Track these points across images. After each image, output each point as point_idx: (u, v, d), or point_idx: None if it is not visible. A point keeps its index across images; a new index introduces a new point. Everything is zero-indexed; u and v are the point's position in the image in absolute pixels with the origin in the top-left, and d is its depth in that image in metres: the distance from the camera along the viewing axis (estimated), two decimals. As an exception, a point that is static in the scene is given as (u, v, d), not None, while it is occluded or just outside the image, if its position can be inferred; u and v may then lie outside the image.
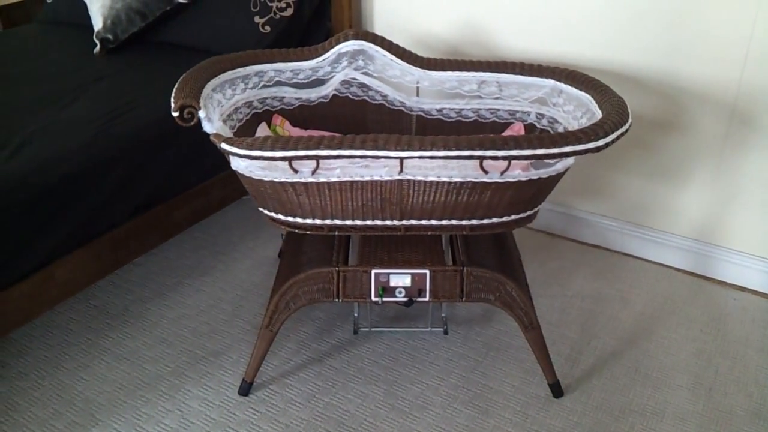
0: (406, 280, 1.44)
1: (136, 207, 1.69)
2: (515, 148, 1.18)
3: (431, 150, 1.18)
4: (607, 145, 1.22)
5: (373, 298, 1.45)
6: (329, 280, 1.44)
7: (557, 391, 1.57)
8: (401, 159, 1.23)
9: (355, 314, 1.72)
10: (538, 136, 1.20)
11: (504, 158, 1.20)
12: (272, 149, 1.21)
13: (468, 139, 1.19)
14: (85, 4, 2.18)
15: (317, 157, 1.22)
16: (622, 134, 1.25)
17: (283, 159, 1.22)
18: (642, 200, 2.00)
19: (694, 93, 1.79)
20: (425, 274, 1.44)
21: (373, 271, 1.44)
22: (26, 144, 1.54)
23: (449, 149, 1.18)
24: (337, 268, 1.44)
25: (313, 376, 1.63)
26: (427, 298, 1.45)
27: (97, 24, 2.09)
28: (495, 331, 1.76)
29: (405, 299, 1.45)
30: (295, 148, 1.20)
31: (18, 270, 1.45)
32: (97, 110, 1.70)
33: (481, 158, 1.20)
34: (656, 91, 1.83)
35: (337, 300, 1.46)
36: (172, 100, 1.32)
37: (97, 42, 2.07)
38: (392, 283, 1.44)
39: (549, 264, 2.03)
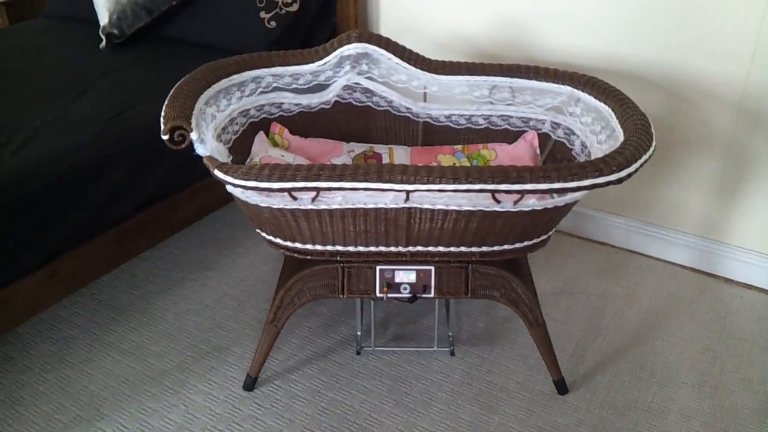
0: (411, 276, 1.43)
1: (141, 202, 1.69)
2: (530, 182, 1.11)
3: (440, 183, 1.11)
4: (629, 175, 1.14)
5: (378, 294, 1.45)
6: (334, 275, 1.44)
7: (562, 388, 1.57)
8: (407, 192, 1.17)
9: (358, 333, 1.69)
10: (555, 167, 1.13)
11: (518, 192, 1.14)
12: (269, 180, 1.13)
13: (479, 170, 1.12)
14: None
15: (317, 189, 1.16)
16: (646, 161, 1.17)
17: (281, 191, 1.16)
18: (648, 197, 1.99)
19: (701, 89, 1.78)
20: (430, 270, 1.43)
21: (378, 267, 1.43)
22: (32, 139, 1.54)
23: (459, 182, 1.11)
24: (341, 264, 1.43)
25: (317, 372, 1.63)
26: (432, 294, 1.45)
27: (103, 19, 2.09)
28: (500, 328, 1.76)
29: (409, 295, 1.45)
30: (294, 179, 1.13)
31: (23, 265, 1.45)
32: (103, 105, 1.70)
33: (494, 192, 1.14)
34: (663, 87, 1.82)
35: (341, 296, 1.46)
36: (162, 121, 1.23)
37: (103, 37, 2.07)
38: (397, 279, 1.44)
39: (554, 261, 2.02)
